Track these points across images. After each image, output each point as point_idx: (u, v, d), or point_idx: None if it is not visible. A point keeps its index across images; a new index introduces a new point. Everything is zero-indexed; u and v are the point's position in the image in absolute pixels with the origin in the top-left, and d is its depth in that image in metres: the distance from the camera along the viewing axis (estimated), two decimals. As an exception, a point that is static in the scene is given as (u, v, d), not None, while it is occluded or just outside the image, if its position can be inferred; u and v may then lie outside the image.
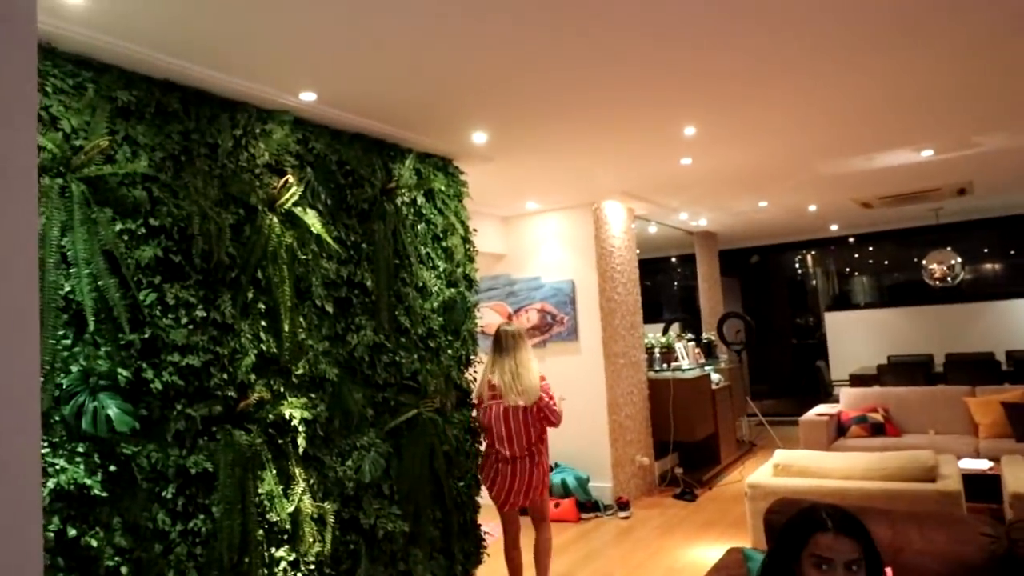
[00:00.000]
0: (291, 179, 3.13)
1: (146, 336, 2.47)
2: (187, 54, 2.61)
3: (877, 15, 2.80)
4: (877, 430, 5.91)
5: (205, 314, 2.70)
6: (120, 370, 2.36)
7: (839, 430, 6.08)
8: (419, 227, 3.93)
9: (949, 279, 8.41)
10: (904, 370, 7.71)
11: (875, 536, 2.38)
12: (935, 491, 3.53)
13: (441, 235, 4.10)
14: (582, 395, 6.04)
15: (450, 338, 4.06)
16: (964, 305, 9.48)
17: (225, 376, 2.76)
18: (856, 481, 3.69)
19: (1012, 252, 10.66)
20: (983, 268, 10.81)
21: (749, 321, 8.91)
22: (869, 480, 3.68)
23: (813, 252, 11.77)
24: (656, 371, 7.05)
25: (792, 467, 3.91)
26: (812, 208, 7.93)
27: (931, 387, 6.55)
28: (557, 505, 5.77)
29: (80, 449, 2.23)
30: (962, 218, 9.44)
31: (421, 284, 3.87)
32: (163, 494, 2.49)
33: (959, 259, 8.38)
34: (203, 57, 2.66)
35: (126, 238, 2.45)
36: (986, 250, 10.74)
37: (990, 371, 7.33)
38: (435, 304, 3.97)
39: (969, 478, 4.53)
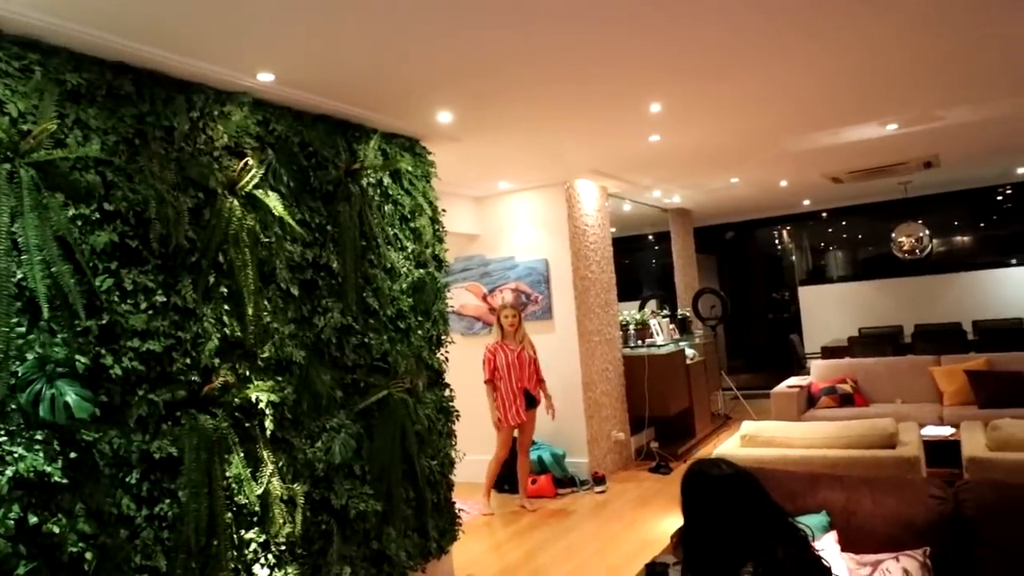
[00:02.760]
0: (251, 161, 3.11)
1: (104, 322, 2.46)
2: (139, 35, 2.57)
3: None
4: (846, 400, 6.02)
5: (165, 299, 2.68)
6: (78, 356, 2.35)
7: (809, 401, 6.18)
8: (386, 208, 3.92)
9: (918, 251, 8.54)
10: (874, 341, 7.84)
11: (828, 500, 2.45)
12: (895, 457, 3.62)
13: (409, 216, 4.09)
14: (557, 373, 6.08)
15: (420, 319, 4.07)
16: (934, 277, 9.63)
17: (188, 361, 2.75)
18: (819, 449, 3.77)
19: (982, 224, 10.82)
20: (954, 240, 10.96)
21: (723, 297, 9.00)
22: (832, 448, 3.76)
23: (787, 227, 11.87)
24: (631, 348, 7.11)
25: (758, 437, 3.99)
26: (783, 184, 8.00)
27: (899, 357, 6.67)
28: (534, 481, 5.83)
29: (39, 437, 2.22)
30: (931, 191, 9.56)
31: (389, 265, 3.87)
32: (127, 479, 2.49)
33: (927, 232, 8.50)
34: (155, 38, 2.62)
35: (79, 223, 2.43)
36: (957, 223, 10.88)
37: (956, 341, 7.48)
38: (404, 285, 3.97)
39: (932, 444, 4.64)
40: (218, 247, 2.91)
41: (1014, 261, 9.58)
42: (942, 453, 4.62)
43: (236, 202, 3.01)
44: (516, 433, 5.52)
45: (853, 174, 7.54)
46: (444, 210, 4.40)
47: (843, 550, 2.29)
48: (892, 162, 6.99)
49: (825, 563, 1.81)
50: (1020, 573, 2.14)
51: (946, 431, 4.97)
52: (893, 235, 8.70)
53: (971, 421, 4.51)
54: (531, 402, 5.43)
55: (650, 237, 11.53)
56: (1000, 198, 10.06)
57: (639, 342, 7.19)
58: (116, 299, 2.51)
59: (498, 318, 5.54)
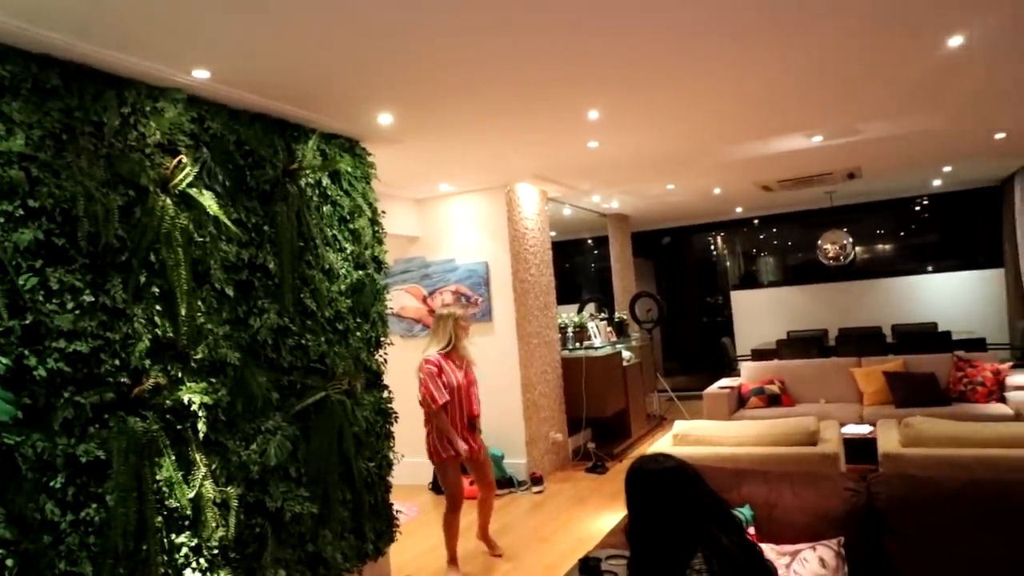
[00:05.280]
0: (185, 159, 3.05)
1: (27, 322, 2.38)
2: (66, 27, 2.50)
3: (766, 4, 2.95)
4: (773, 400, 6.27)
5: (93, 299, 2.62)
6: (-1, 357, 2.27)
7: (739, 401, 6.41)
8: (324, 209, 3.90)
9: (842, 258, 8.93)
10: (800, 344, 8.16)
11: (752, 494, 2.57)
12: (816, 454, 3.80)
13: (348, 217, 4.07)
14: (496, 375, 6.13)
15: (359, 320, 4.06)
16: (858, 282, 10.09)
17: (117, 362, 2.69)
18: (747, 447, 3.93)
19: (902, 233, 11.37)
20: (876, 248, 11.49)
21: (659, 300, 9.23)
22: (759, 446, 3.92)
23: (721, 234, 12.23)
24: (570, 350, 7.23)
25: (690, 436, 4.12)
26: (717, 191, 8.26)
27: (823, 359, 6.98)
28: (472, 482, 5.86)
29: (-44, 440, 2.15)
30: (855, 201, 10.02)
31: (327, 266, 3.85)
32: (51, 484, 2.42)
33: (851, 239, 8.90)
34: (84, 31, 2.55)
35: (2, 220, 2.35)
36: (880, 231, 11.41)
37: (877, 344, 7.86)
38: (342, 287, 3.95)
39: (852, 442, 4.88)
40: (149, 246, 2.85)
41: (931, 268, 10.13)
42: (861, 450, 4.86)
43: (169, 200, 2.95)
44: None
45: (782, 183, 7.85)
46: (384, 212, 4.40)
47: (765, 541, 2.41)
48: (818, 172, 7.31)
49: (758, 547, 1.91)
50: (924, 559, 2.29)
51: (865, 429, 5.23)
52: (819, 242, 9.08)
53: (887, 419, 4.75)
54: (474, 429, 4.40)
55: (589, 241, 11.72)
56: (918, 208, 10.61)
57: (577, 344, 7.31)
58: (41, 298, 2.44)
59: (454, 324, 4.24)
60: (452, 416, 4.22)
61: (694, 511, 1.83)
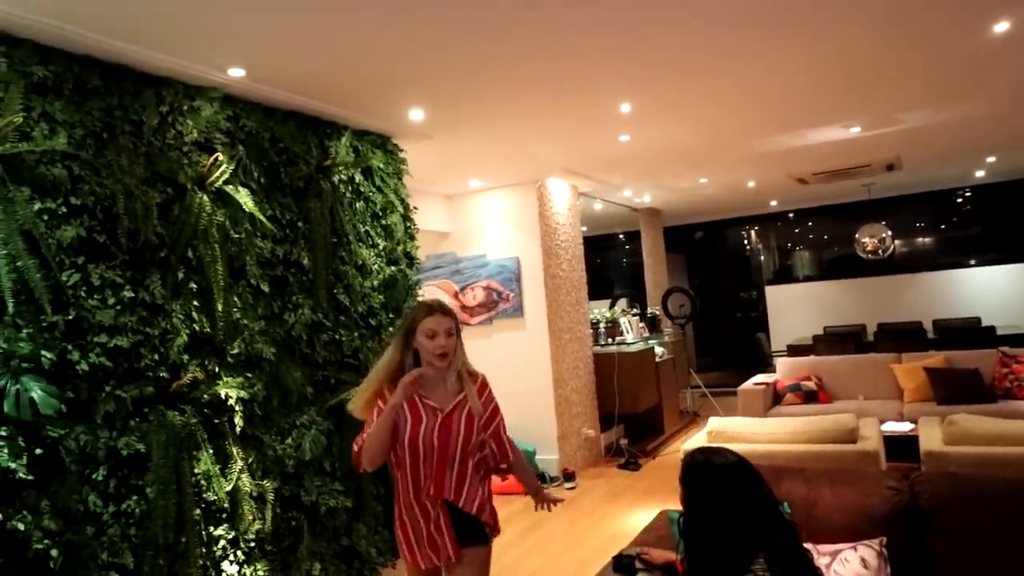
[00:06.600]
0: (221, 157, 3.09)
1: (70, 317, 2.43)
2: (107, 28, 2.55)
3: (796, -6, 2.89)
4: (810, 397, 6.15)
5: (133, 294, 2.66)
6: (44, 352, 2.32)
7: (775, 398, 6.30)
8: (357, 205, 3.92)
9: (881, 252, 8.74)
10: (837, 340, 8.00)
11: (790, 493, 2.52)
12: (856, 451, 3.72)
13: (380, 213, 4.09)
14: (528, 371, 6.12)
15: (391, 316, 4.08)
16: (897, 277, 9.86)
17: (156, 357, 2.73)
18: (783, 444, 3.86)
19: (942, 226, 11.10)
20: (916, 241, 11.24)
21: (692, 296, 9.13)
22: (795, 443, 3.85)
23: (755, 228, 12.06)
24: (602, 345, 7.18)
25: (725, 433, 4.07)
26: (751, 184, 8.13)
27: (861, 355, 6.82)
28: (504, 478, 5.86)
29: (3, 433, 2.20)
30: (894, 193, 9.79)
31: (360, 262, 3.87)
32: (94, 476, 2.47)
33: (889, 233, 8.70)
34: (124, 32, 2.59)
35: (46, 218, 2.40)
36: (920, 224, 11.15)
37: (917, 339, 7.66)
38: (375, 282, 3.97)
39: (893, 439, 4.77)
40: (187, 243, 2.90)
41: (973, 262, 9.86)
42: (902, 448, 4.75)
43: (206, 197, 2.99)
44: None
45: (818, 175, 7.69)
46: (416, 207, 4.41)
47: (803, 540, 2.36)
48: (855, 164, 7.16)
49: (809, 552, 1.87)
50: (970, 560, 2.23)
51: (905, 427, 5.11)
52: (857, 236, 8.89)
53: (929, 417, 4.64)
54: (469, 530, 2.30)
55: (621, 236, 11.64)
56: (960, 200, 10.34)
57: (609, 340, 7.26)
58: (83, 294, 2.49)
59: (404, 334, 2.32)
60: (409, 490, 2.28)
61: (758, 512, 1.77)
